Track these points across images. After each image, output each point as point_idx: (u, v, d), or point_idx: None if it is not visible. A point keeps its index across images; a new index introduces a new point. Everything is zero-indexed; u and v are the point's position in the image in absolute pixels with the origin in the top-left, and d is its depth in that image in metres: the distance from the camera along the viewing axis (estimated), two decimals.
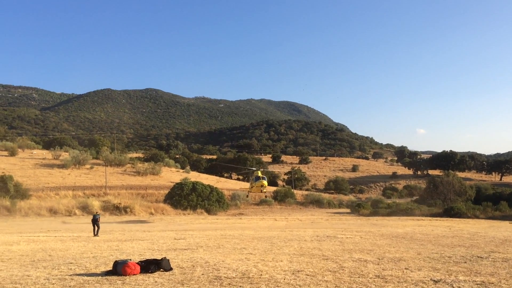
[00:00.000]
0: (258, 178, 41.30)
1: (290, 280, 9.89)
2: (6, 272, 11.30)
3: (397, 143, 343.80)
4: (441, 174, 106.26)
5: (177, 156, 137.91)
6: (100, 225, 24.27)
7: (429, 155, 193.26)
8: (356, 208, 63.33)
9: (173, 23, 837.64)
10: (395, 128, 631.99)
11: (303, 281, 9.79)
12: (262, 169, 46.78)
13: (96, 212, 24.50)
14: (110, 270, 10.95)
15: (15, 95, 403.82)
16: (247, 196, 43.16)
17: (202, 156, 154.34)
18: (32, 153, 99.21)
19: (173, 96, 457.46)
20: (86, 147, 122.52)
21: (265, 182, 40.87)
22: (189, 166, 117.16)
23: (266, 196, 43.20)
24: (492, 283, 9.53)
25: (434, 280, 9.82)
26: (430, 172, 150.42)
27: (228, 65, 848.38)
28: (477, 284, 9.42)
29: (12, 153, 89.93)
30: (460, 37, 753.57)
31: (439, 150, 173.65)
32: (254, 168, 46.33)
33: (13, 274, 10.96)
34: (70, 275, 10.73)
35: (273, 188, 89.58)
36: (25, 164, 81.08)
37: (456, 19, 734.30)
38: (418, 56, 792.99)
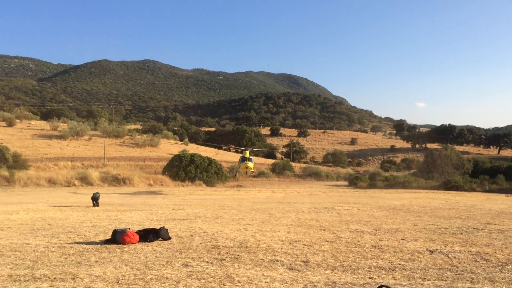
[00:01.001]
0: (244, 159, 40.77)
1: (288, 249, 9.99)
2: (6, 240, 11.39)
3: (396, 117, 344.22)
4: (439, 147, 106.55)
5: (176, 128, 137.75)
6: (101, 196, 24.34)
7: (428, 129, 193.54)
8: (354, 181, 63.59)
9: None
10: (394, 102, 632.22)
11: (300, 250, 9.89)
12: (251, 149, 45.88)
13: (96, 192, 24.53)
14: (109, 239, 11.04)
15: (12, 65, 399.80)
16: (235, 175, 42.18)
17: (200, 128, 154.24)
18: (30, 123, 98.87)
19: (172, 68, 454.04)
20: (84, 118, 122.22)
21: (250, 164, 40.19)
22: (187, 138, 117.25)
23: (254, 176, 42.45)
24: (488, 254, 9.65)
25: (430, 250, 9.93)
26: (428, 145, 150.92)
27: (227, 37, 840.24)
28: (473, 255, 9.53)
29: (10, 124, 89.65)
30: (461, 11, 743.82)
31: (438, 124, 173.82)
32: (243, 148, 45.67)
33: (13, 242, 11.05)
34: (70, 243, 10.82)
35: (271, 161, 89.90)
36: (23, 135, 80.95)
37: None
38: (418, 29, 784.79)
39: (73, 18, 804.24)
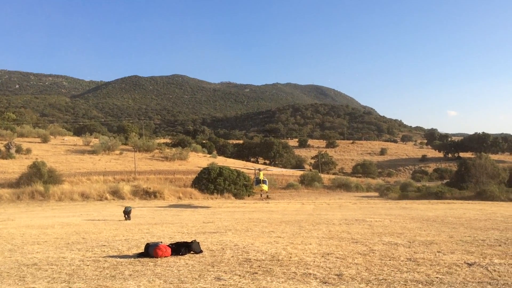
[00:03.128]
0: (258, 181, 41.23)
1: (320, 262, 9.86)
2: (42, 254, 11.67)
3: (427, 126, 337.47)
4: (473, 156, 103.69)
5: (204, 141, 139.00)
6: (132, 209, 24.67)
7: (461, 138, 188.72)
8: (385, 192, 62.54)
9: (198, 9, 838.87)
10: (424, 111, 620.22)
11: (333, 263, 9.74)
12: (265, 169, 45.89)
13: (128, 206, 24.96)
14: (142, 252, 11.16)
15: (46, 83, 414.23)
16: (248, 195, 42.47)
17: (228, 141, 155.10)
18: (63, 139, 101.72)
19: (199, 82, 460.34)
20: (115, 133, 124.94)
21: (264, 187, 40.75)
22: (216, 151, 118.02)
23: (268, 197, 43.12)
24: None
25: (468, 263, 9.61)
26: (461, 154, 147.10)
27: (254, 50, 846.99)
28: None
29: (45, 140, 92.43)
30: (494, 12, 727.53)
31: (471, 132, 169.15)
32: (258, 168, 46.10)
33: (49, 256, 11.31)
34: (104, 257, 10.99)
35: (300, 172, 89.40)
36: (57, 150, 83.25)
37: None
38: (447, 36, 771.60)
39: (104, 37, 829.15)
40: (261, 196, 41.56)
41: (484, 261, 9.87)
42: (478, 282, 7.92)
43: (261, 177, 41.39)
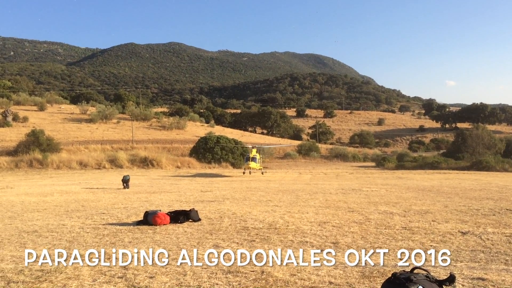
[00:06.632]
0: (248, 159, 41.36)
1: (317, 231, 10.01)
2: (43, 221, 11.80)
3: (425, 96, 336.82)
4: (470, 127, 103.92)
5: (202, 110, 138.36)
6: (130, 178, 24.81)
7: (458, 108, 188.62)
8: (381, 162, 62.84)
9: None
10: (423, 81, 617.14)
11: (329, 232, 9.90)
12: (257, 146, 45.63)
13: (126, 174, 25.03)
14: (141, 220, 11.29)
15: (41, 50, 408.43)
16: (244, 173, 42.45)
17: (226, 110, 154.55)
18: (60, 107, 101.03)
19: (196, 50, 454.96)
20: (112, 102, 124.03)
21: (252, 164, 40.83)
22: (213, 121, 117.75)
23: (262, 173, 42.81)
24: None
25: (462, 232, 9.78)
26: (459, 125, 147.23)
27: (252, 17, 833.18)
28: (506, 236, 9.34)
29: (41, 108, 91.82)
30: None
31: (469, 103, 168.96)
32: (250, 146, 46.16)
33: (49, 223, 11.44)
34: (103, 224, 11.13)
35: (297, 142, 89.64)
36: (54, 119, 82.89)
37: None
38: (448, 3, 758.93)
39: (100, 3, 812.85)
40: (250, 173, 41.75)
41: (478, 230, 10.04)
42: (472, 250, 8.08)
43: (252, 154, 41.23)
